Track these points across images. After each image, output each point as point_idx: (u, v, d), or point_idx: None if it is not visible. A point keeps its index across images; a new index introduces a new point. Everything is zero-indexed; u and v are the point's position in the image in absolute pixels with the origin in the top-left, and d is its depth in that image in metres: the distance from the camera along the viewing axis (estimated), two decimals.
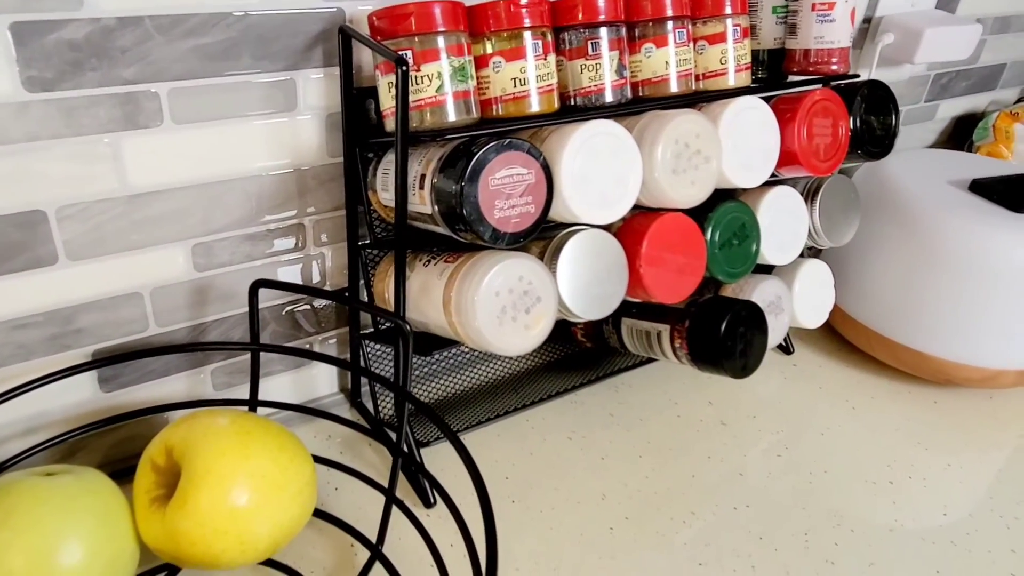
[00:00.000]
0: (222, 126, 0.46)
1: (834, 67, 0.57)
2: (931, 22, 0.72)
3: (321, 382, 0.60)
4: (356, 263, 0.53)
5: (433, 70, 0.44)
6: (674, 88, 0.53)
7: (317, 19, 0.46)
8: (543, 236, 0.48)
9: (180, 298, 0.49)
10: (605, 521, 0.52)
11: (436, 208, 0.42)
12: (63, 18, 0.39)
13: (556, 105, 0.49)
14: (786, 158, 0.53)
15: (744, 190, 0.56)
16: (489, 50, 0.47)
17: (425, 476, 0.50)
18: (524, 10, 0.46)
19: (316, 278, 0.55)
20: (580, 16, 0.49)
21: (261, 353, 0.52)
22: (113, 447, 0.51)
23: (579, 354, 0.69)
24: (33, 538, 0.37)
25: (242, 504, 0.40)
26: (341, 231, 0.54)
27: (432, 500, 0.51)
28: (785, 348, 0.71)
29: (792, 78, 0.60)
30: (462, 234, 0.42)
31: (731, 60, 0.56)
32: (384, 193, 0.47)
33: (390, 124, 0.45)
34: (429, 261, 0.48)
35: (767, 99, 0.56)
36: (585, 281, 0.47)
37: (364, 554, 0.48)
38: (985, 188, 0.63)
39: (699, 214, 0.52)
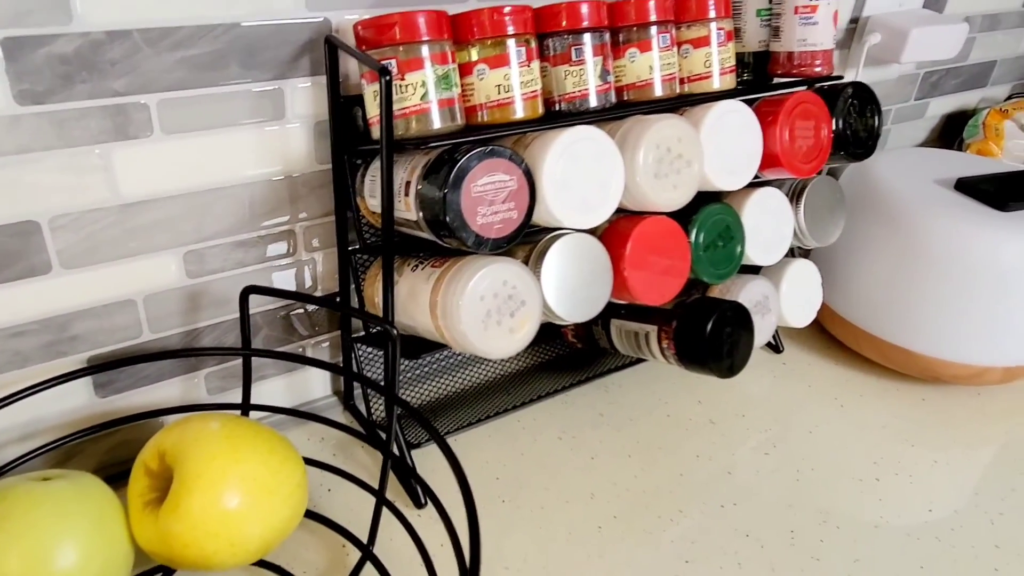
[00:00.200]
0: (211, 135, 0.47)
1: (818, 69, 0.58)
2: (917, 22, 0.72)
3: (315, 385, 0.61)
4: (347, 268, 0.54)
5: (417, 79, 0.44)
6: (658, 92, 0.54)
7: (304, 29, 0.47)
8: (528, 240, 0.49)
9: (173, 304, 0.50)
10: (594, 520, 0.53)
11: (421, 214, 0.43)
12: (53, 33, 0.40)
13: (541, 111, 0.49)
14: (768, 160, 0.54)
15: (729, 192, 0.57)
16: (473, 57, 0.47)
17: (414, 477, 0.51)
18: (507, 18, 0.47)
19: (308, 283, 0.56)
20: (564, 23, 0.49)
21: (254, 357, 0.53)
22: (109, 451, 0.52)
23: (570, 355, 0.70)
24: (29, 542, 0.37)
25: (233, 507, 0.41)
26: (332, 236, 0.55)
27: (423, 501, 0.52)
28: (775, 347, 0.72)
29: (777, 80, 0.61)
30: (446, 240, 0.43)
31: (716, 63, 0.56)
32: (372, 199, 0.48)
33: (376, 132, 0.46)
34: (417, 266, 0.49)
35: (751, 101, 0.57)
36: (570, 284, 0.48)
37: (355, 555, 0.48)
38: (970, 187, 0.64)
39: (683, 216, 0.53)
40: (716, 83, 0.57)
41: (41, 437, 0.49)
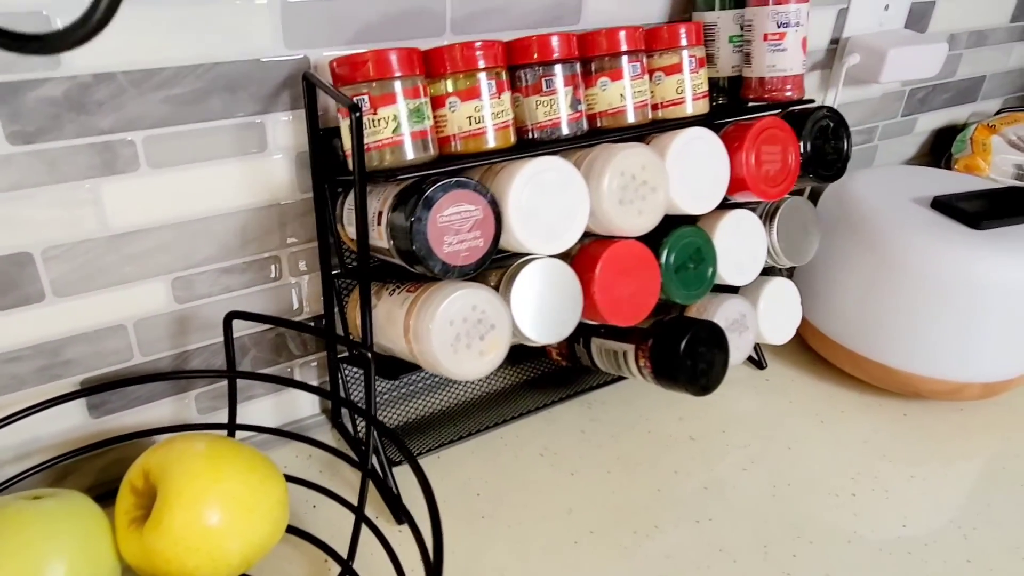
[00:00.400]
0: (196, 168, 0.49)
1: (788, 93, 0.59)
2: (896, 42, 0.73)
3: (303, 403, 0.63)
4: (330, 292, 0.56)
5: (389, 113, 0.46)
6: (631, 119, 0.55)
7: (283, 66, 0.49)
8: (501, 265, 0.51)
9: (162, 329, 0.53)
10: (570, 535, 0.54)
11: (391, 243, 0.45)
12: (42, 77, 0.42)
13: (512, 140, 0.51)
14: (736, 184, 0.55)
15: (701, 215, 0.59)
16: (446, 90, 0.49)
17: (389, 496, 0.53)
18: (478, 53, 0.49)
19: (295, 305, 0.58)
20: (535, 55, 0.51)
21: (244, 378, 0.55)
22: (104, 470, 0.54)
23: (555, 372, 0.71)
24: (19, 560, 0.40)
25: (213, 523, 0.43)
26: (317, 261, 0.57)
27: (402, 518, 0.54)
28: (758, 363, 0.73)
29: (751, 105, 0.62)
30: (415, 267, 0.45)
31: (688, 89, 0.58)
32: (350, 227, 0.50)
33: (352, 163, 0.48)
34: (394, 291, 0.51)
35: (723, 126, 0.58)
36: (539, 307, 0.50)
37: (336, 569, 0.50)
38: (945, 205, 0.65)
39: (655, 239, 0.55)
40: (689, 108, 0.58)
41: (38, 456, 0.51)
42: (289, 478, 0.54)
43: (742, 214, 0.59)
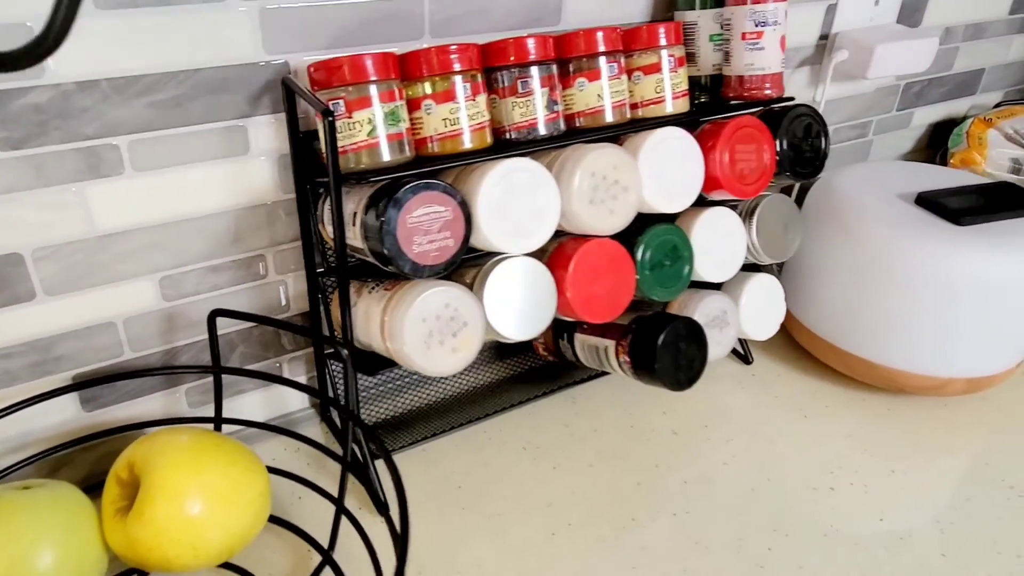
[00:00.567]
0: (180, 171, 0.51)
1: (767, 91, 0.60)
2: (885, 38, 0.73)
3: (292, 398, 0.64)
4: (315, 290, 0.58)
5: (365, 116, 0.48)
6: (609, 118, 0.56)
7: (263, 71, 0.51)
8: (476, 263, 0.52)
9: (151, 326, 0.54)
10: (548, 527, 0.56)
11: (365, 244, 0.46)
12: (28, 85, 0.44)
13: (489, 140, 0.52)
14: (711, 183, 0.56)
15: (682, 212, 0.59)
16: (422, 93, 0.50)
17: (369, 488, 0.54)
18: (454, 56, 0.50)
19: (283, 303, 0.60)
20: (511, 58, 0.52)
21: (228, 373, 0.57)
22: (97, 462, 0.56)
23: (542, 368, 0.73)
24: (8, 547, 0.41)
25: (194, 515, 0.44)
26: (302, 260, 0.58)
27: (382, 509, 0.55)
28: (744, 358, 0.74)
29: (733, 103, 0.63)
30: (387, 267, 0.46)
31: (667, 88, 0.59)
32: (330, 227, 0.52)
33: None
34: (373, 289, 0.52)
35: (702, 124, 0.59)
36: (513, 304, 0.51)
37: (318, 559, 0.52)
38: (929, 202, 0.65)
39: (630, 237, 0.55)
40: (669, 107, 0.59)
41: (32, 449, 0.53)
42: (275, 471, 0.56)
43: (720, 211, 0.59)
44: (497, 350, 0.71)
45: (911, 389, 0.67)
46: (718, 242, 0.60)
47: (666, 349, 0.57)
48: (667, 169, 0.54)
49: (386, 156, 0.49)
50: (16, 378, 0.51)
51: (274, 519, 0.54)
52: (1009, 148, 0.87)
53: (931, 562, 0.54)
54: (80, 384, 0.50)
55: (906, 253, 0.61)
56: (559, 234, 0.54)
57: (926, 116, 0.95)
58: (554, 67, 0.54)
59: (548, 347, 0.69)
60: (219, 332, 0.57)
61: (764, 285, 0.66)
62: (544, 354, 0.70)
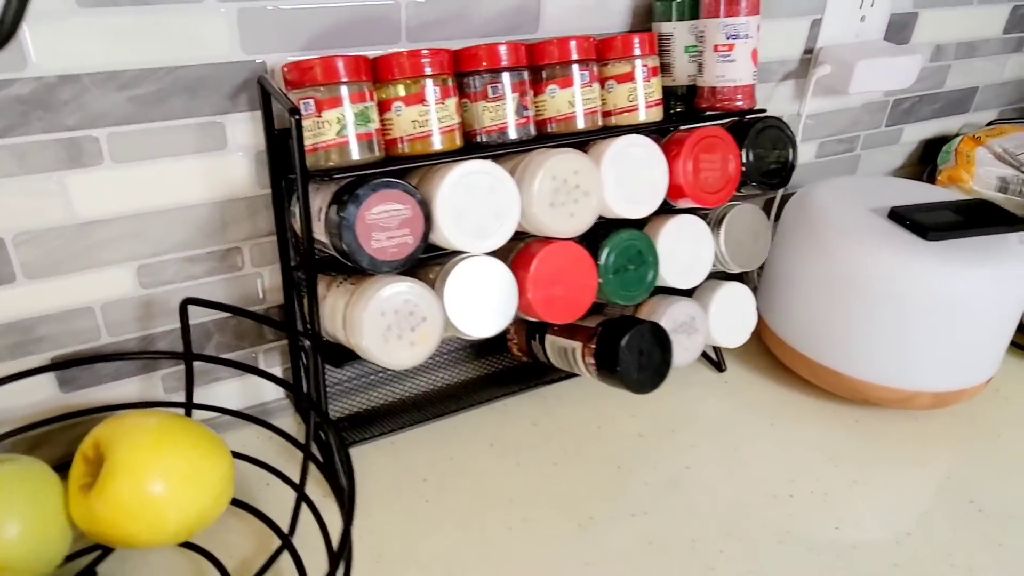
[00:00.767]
0: (159, 164, 0.53)
1: (739, 103, 0.61)
2: (867, 54, 0.74)
3: (268, 387, 0.66)
4: (289, 284, 0.59)
5: (334, 115, 0.49)
6: (580, 124, 0.57)
7: (240, 70, 0.52)
8: (440, 261, 0.53)
9: (129, 312, 0.56)
10: (507, 523, 0.57)
11: (328, 239, 0.48)
12: (10, 77, 0.46)
13: (459, 143, 0.54)
14: (675, 191, 0.57)
15: (650, 218, 0.60)
16: (393, 95, 0.52)
17: (329, 476, 0.56)
18: (425, 60, 0.51)
19: (259, 295, 0.62)
20: (483, 64, 0.54)
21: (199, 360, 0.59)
22: (73, 442, 0.57)
23: (518, 367, 0.74)
24: None
25: (154, 493, 0.46)
26: (277, 253, 0.60)
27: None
28: (717, 365, 0.75)
29: (707, 113, 0.64)
30: (348, 261, 0.48)
31: (640, 97, 0.60)
32: (298, 222, 0.53)
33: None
34: (341, 283, 0.54)
35: (669, 133, 0.60)
36: (473, 302, 0.52)
37: (277, 543, 0.53)
38: (901, 216, 0.66)
39: (595, 241, 0.57)
40: (643, 116, 0.60)
41: (9, 427, 0.55)
42: (245, 457, 0.57)
43: (687, 219, 0.61)
44: (472, 349, 0.73)
45: (877, 401, 0.67)
46: (685, 249, 0.61)
47: (629, 352, 0.58)
48: (630, 176, 0.55)
49: (355, 155, 0.50)
50: None
51: (240, 504, 0.55)
52: (997, 167, 0.87)
53: (882, 571, 0.54)
54: (58, 365, 0.52)
55: (871, 265, 0.62)
56: (524, 236, 0.56)
57: (917, 132, 0.95)
58: (526, 73, 0.55)
59: (522, 348, 0.70)
60: (196, 321, 0.59)
61: (735, 293, 0.67)
62: (518, 355, 0.71)
